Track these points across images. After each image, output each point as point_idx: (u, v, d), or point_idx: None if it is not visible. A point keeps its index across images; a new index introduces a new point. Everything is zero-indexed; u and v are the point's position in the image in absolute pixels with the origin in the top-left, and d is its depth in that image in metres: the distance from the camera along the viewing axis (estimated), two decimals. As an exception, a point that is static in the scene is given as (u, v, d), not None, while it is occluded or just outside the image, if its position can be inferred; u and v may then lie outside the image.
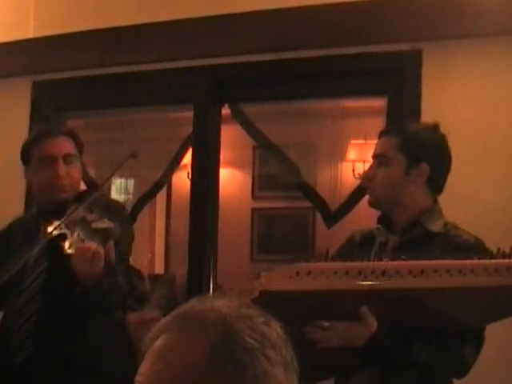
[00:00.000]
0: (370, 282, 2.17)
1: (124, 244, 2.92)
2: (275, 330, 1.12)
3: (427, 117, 3.57)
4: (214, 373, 1.05)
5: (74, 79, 4.35)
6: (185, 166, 5.23)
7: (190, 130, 4.31)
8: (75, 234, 2.69)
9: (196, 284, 4.21)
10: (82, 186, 3.39)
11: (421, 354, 2.31)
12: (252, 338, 1.08)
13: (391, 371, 2.39)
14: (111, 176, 3.10)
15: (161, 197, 6.94)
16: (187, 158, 4.51)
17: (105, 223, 2.74)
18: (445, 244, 2.45)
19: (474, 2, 3.22)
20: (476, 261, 2.16)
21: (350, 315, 2.25)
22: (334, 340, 2.26)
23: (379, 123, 3.92)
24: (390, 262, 2.20)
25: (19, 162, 3.92)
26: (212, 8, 3.50)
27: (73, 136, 2.99)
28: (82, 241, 2.66)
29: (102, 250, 2.62)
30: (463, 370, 2.40)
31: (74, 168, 2.93)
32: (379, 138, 2.65)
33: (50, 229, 2.72)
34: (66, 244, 2.68)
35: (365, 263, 2.21)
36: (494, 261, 2.15)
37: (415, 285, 2.15)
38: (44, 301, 2.84)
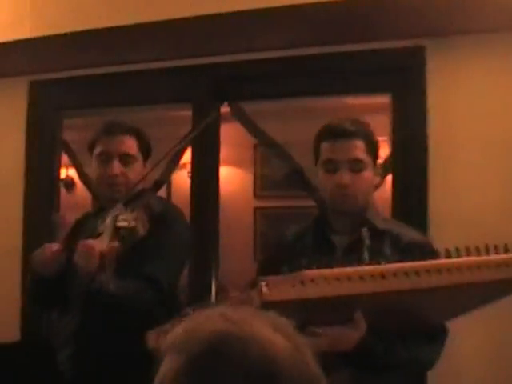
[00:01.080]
0: (371, 285, 2.13)
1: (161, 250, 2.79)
2: None
3: (433, 113, 3.55)
4: None
5: (70, 79, 4.33)
6: (185, 164, 5.21)
7: (189, 128, 4.26)
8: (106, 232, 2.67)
9: (198, 284, 4.18)
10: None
11: (402, 355, 2.31)
12: None
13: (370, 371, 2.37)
14: (181, 146, 2.94)
15: (161, 195, 6.92)
16: (187, 157, 4.47)
17: (127, 221, 2.67)
18: (394, 243, 2.45)
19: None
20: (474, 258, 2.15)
21: (344, 319, 2.22)
22: (323, 346, 2.16)
23: (384, 120, 3.88)
24: (388, 265, 2.15)
25: (17, 162, 3.91)
26: (211, 7, 3.47)
27: (137, 135, 2.92)
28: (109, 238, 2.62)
29: (97, 248, 2.54)
30: (431, 365, 2.46)
31: (131, 169, 2.87)
32: (337, 139, 2.53)
33: (100, 229, 2.69)
34: None
35: (362, 267, 2.16)
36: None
37: (413, 286, 2.12)
38: (86, 300, 2.78)
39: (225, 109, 4.22)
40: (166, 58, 4.10)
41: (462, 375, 2.94)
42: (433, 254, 2.30)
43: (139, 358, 2.78)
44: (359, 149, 2.48)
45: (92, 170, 2.96)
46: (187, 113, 4.26)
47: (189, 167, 4.54)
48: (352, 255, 2.33)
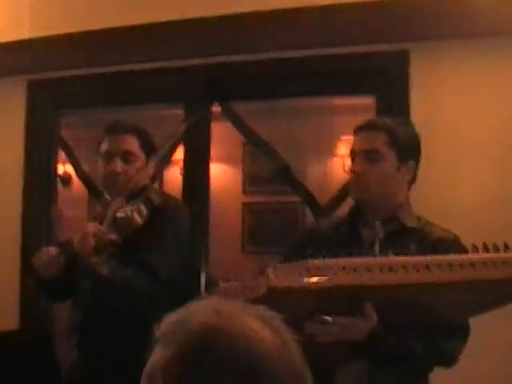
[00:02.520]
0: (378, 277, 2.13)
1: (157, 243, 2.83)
2: None
3: (415, 115, 3.58)
4: None
5: (68, 78, 4.32)
6: (176, 161, 5.22)
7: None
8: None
9: (188, 275, 4.17)
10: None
11: (416, 348, 2.30)
12: None
13: (379, 366, 2.36)
14: (175, 141, 2.98)
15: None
16: (179, 154, 4.50)
17: (125, 212, 2.74)
18: (421, 240, 2.44)
19: (459, 4, 3.22)
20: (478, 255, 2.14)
21: (354, 310, 2.20)
22: (333, 334, 2.19)
23: (369, 120, 3.89)
24: (396, 258, 2.15)
25: (16, 158, 3.91)
26: (203, 10, 3.49)
27: (139, 134, 2.96)
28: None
29: (91, 233, 2.60)
30: (452, 361, 2.41)
31: (132, 166, 2.91)
32: (359, 132, 2.58)
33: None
34: None
35: (372, 259, 2.18)
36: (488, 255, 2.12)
37: (420, 279, 2.11)
38: (92, 290, 2.83)
39: (215, 108, 4.26)
40: (159, 59, 4.11)
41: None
42: (459, 250, 2.27)
43: (139, 348, 2.85)
44: (378, 140, 2.49)
45: (98, 167, 3.02)
46: (179, 112, 4.28)
47: (180, 164, 4.56)
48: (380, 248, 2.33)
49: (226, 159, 7.12)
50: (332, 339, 2.21)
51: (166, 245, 2.83)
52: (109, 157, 2.91)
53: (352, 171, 2.54)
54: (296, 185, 4.26)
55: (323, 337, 2.19)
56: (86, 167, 4.66)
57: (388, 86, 3.78)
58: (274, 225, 7.23)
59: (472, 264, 2.10)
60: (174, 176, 6.45)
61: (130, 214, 2.72)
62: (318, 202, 4.15)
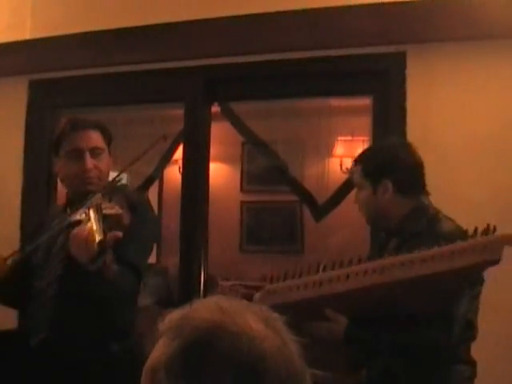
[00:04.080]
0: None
1: (143, 236, 2.83)
2: None
3: (412, 116, 3.58)
4: None
5: (69, 78, 4.31)
6: (176, 160, 5.22)
7: (180, 127, 4.29)
8: (87, 220, 2.65)
9: (187, 274, 4.21)
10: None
11: (385, 340, 2.51)
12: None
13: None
14: (141, 156, 2.97)
15: (153, 190, 6.93)
16: (178, 154, 4.49)
17: (114, 209, 2.68)
18: (429, 239, 2.54)
19: (456, 6, 3.22)
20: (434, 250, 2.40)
21: (322, 317, 2.54)
22: (323, 336, 2.55)
23: (366, 121, 3.90)
24: (358, 265, 2.48)
25: (16, 157, 3.88)
26: (202, 11, 3.49)
27: (101, 128, 2.91)
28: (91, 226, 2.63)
29: (90, 238, 2.53)
30: (431, 350, 2.53)
31: (101, 161, 2.86)
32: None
33: (71, 216, 2.70)
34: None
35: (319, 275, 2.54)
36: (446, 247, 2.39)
37: (377, 281, 2.42)
38: (61, 286, 2.80)
39: (215, 108, 4.26)
40: (160, 60, 4.11)
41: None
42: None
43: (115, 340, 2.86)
44: (356, 172, 2.82)
45: (60, 167, 2.91)
46: (179, 112, 4.29)
47: (180, 163, 4.55)
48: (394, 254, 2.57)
49: (224, 158, 7.12)
50: (323, 338, 2.55)
51: (144, 242, 2.85)
52: (78, 154, 2.82)
53: None
54: (294, 184, 4.27)
55: (316, 335, 2.54)
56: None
57: (385, 87, 3.78)
58: (272, 223, 7.23)
59: (423, 260, 2.38)
60: (173, 175, 6.45)
61: (119, 211, 2.70)
62: (316, 201, 4.15)
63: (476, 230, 2.34)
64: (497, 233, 2.35)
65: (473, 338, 2.65)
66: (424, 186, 2.78)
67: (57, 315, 2.80)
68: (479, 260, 2.33)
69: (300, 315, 2.39)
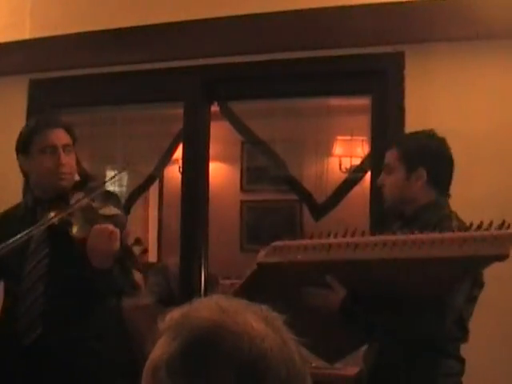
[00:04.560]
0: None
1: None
2: None
3: (410, 116, 3.59)
4: None
5: (69, 78, 4.33)
6: (176, 160, 5.22)
7: (180, 126, 4.30)
8: (83, 220, 2.68)
9: (188, 273, 4.22)
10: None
11: (378, 318, 2.54)
12: None
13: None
14: (103, 186, 3.02)
15: (153, 189, 6.95)
16: (178, 153, 4.50)
17: (113, 210, 2.73)
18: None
19: (454, 7, 3.21)
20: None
21: (323, 284, 2.53)
22: (318, 303, 2.55)
23: (364, 120, 3.90)
24: (369, 237, 2.45)
25: (16, 159, 3.84)
26: (201, 11, 3.49)
27: (68, 128, 2.96)
28: (91, 225, 2.65)
29: (117, 231, 2.62)
30: (423, 334, 2.53)
31: (71, 158, 2.91)
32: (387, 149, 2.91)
33: (51, 215, 2.69)
34: (74, 229, 2.67)
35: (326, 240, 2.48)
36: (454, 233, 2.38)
37: (385, 255, 2.38)
38: (48, 284, 2.83)
39: (214, 108, 4.27)
40: (160, 60, 4.12)
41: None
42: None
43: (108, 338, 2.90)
44: (391, 156, 2.81)
45: (31, 164, 2.93)
46: (179, 112, 4.29)
47: (180, 162, 4.56)
48: None
49: (224, 158, 7.13)
50: (319, 306, 2.55)
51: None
52: (52, 151, 2.85)
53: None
54: (293, 183, 4.27)
55: (312, 303, 2.55)
56: (86, 166, 4.64)
57: (384, 87, 3.78)
58: (271, 222, 7.23)
59: (424, 242, 2.35)
60: (173, 174, 6.46)
61: (117, 211, 2.73)
62: (315, 201, 4.16)
63: (491, 223, 2.31)
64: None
65: (463, 339, 2.65)
66: (450, 184, 2.80)
67: (48, 312, 2.82)
68: (488, 252, 2.31)
69: (300, 278, 2.52)
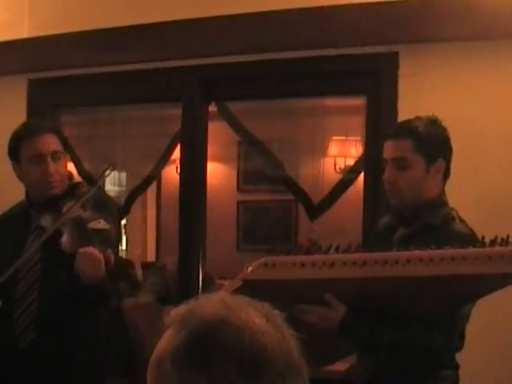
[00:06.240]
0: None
1: (116, 238, 2.90)
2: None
3: (404, 116, 3.56)
4: None
5: (68, 77, 4.33)
6: (174, 160, 5.22)
7: (178, 126, 4.29)
8: (71, 233, 2.62)
9: (186, 271, 4.22)
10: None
11: (385, 337, 2.32)
12: None
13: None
14: (96, 188, 2.97)
15: (151, 189, 6.94)
16: (176, 153, 4.49)
17: (101, 224, 2.66)
18: (440, 236, 2.36)
19: (448, 7, 3.20)
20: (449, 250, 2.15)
21: (319, 302, 2.29)
22: (313, 321, 2.29)
23: (359, 121, 3.89)
24: (374, 253, 2.22)
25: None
26: (200, 11, 3.47)
27: (57, 132, 2.90)
28: (79, 241, 2.60)
29: (101, 256, 2.56)
30: (430, 354, 2.36)
31: (61, 164, 2.85)
32: (387, 140, 2.53)
33: (43, 223, 2.70)
34: (63, 240, 2.62)
35: (317, 256, 2.26)
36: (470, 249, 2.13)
37: (390, 273, 2.17)
38: (42, 288, 2.81)
39: (212, 108, 4.26)
40: (158, 59, 4.12)
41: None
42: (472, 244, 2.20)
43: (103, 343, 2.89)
44: (405, 147, 2.44)
45: (22, 172, 2.89)
46: (177, 111, 4.28)
47: (178, 163, 4.55)
48: (402, 246, 2.32)
49: (221, 158, 7.11)
50: (314, 324, 2.29)
51: (115, 241, 2.90)
52: (39, 159, 2.80)
53: (384, 180, 2.53)
54: (289, 183, 4.27)
55: (306, 322, 2.26)
56: (87, 166, 4.63)
57: (378, 87, 3.77)
58: (268, 222, 7.23)
59: (431, 260, 2.13)
60: (170, 174, 6.45)
61: (106, 226, 2.66)
62: (311, 201, 4.15)
63: (508, 237, 2.11)
64: None
65: (460, 348, 2.47)
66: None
67: (42, 317, 2.81)
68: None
69: (294, 296, 2.27)
